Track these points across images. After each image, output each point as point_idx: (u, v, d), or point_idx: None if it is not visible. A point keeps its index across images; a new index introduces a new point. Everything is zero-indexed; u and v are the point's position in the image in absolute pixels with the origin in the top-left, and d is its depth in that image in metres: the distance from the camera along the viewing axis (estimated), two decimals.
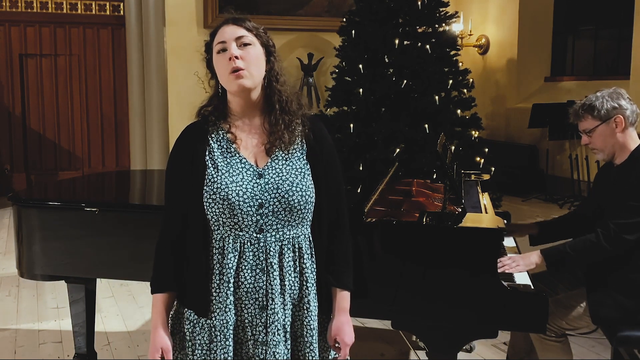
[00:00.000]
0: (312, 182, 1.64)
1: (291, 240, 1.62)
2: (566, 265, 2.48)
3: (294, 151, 1.66)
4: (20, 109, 8.27)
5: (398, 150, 5.24)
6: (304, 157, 1.66)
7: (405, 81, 5.45)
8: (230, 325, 1.60)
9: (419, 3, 5.59)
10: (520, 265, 2.41)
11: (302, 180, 1.62)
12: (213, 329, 1.61)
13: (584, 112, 2.48)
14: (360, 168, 5.28)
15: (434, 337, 2.24)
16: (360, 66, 5.60)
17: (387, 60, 5.54)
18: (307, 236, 1.66)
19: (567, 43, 8.33)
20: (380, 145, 5.33)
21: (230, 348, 1.60)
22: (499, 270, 2.38)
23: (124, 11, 8.16)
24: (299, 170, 1.63)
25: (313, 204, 1.64)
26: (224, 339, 1.59)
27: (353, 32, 5.75)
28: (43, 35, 8.23)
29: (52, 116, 8.43)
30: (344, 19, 5.98)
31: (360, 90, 5.52)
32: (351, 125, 5.52)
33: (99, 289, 3.14)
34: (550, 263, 2.45)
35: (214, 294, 1.61)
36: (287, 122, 1.64)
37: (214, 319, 1.60)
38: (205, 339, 1.62)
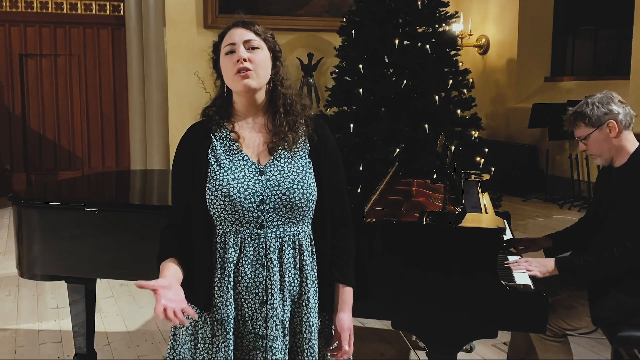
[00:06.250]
0: (314, 181, 1.67)
1: (291, 237, 1.65)
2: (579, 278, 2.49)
3: (297, 150, 1.69)
4: (20, 109, 8.26)
5: (398, 150, 5.24)
6: (307, 156, 1.69)
7: (405, 81, 5.45)
8: (231, 319, 1.63)
9: (419, 3, 5.59)
10: (533, 270, 2.40)
11: (304, 178, 1.65)
12: (215, 323, 1.65)
13: (576, 120, 2.47)
14: (360, 168, 5.28)
15: (434, 337, 2.24)
16: (360, 66, 5.60)
17: (387, 60, 5.54)
18: (307, 234, 1.69)
19: (567, 43, 8.34)
20: (380, 145, 5.33)
21: (231, 342, 1.64)
22: (514, 269, 2.39)
23: (124, 11, 8.16)
24: (301, 168, 1.66)
25: (314, 202, 1.67)
26: (225, 333, 1.63)
27: (353, 32, 5.75)
28: (43, 35, 8.22)
29: (52, 116, 8.43)
30: (344, 19, 5.99)
31: (360, 90, 5.52)
32: (351, 125, 5.52)
33: (99, 289, 3.14)
34: (563, 273, 2.44)
35: (216, 288, 1.64)
36: (290, 124, 1.68)
37: (216, 312, 1.64)
38: (207, 332, 1.66)
